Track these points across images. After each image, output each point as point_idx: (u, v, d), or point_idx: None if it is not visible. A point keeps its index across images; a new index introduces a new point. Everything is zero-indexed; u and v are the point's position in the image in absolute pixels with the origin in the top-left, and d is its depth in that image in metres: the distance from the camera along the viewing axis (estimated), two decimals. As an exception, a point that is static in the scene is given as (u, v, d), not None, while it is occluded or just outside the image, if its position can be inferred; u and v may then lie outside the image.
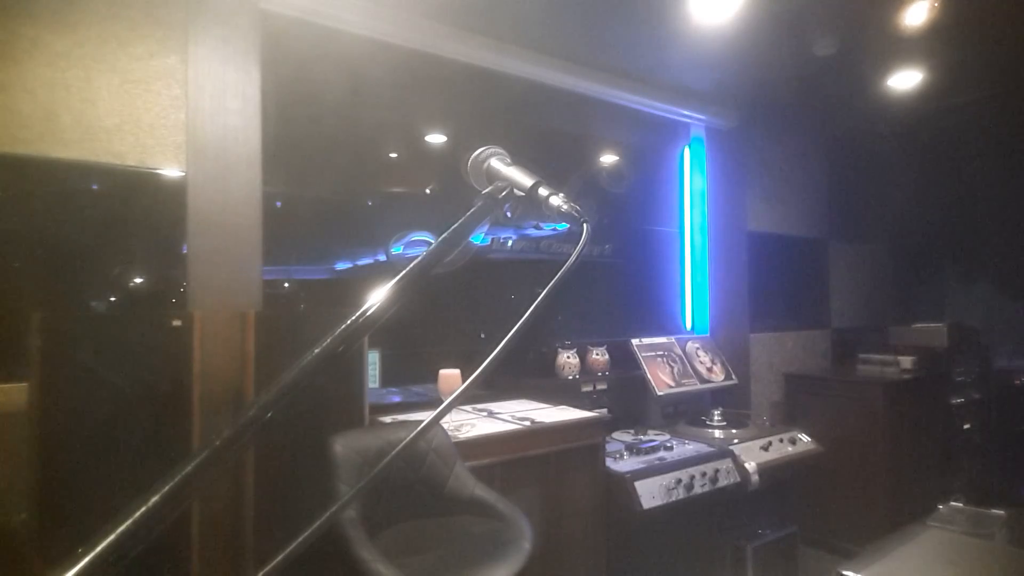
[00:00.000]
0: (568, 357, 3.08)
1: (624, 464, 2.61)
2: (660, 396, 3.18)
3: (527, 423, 2.34)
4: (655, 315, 3.88)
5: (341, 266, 2.87)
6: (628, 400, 3.27)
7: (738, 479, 2.79)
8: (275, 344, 1.98)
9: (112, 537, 0.42)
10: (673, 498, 2.55)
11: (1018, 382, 4.31)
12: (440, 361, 2.48)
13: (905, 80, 3.46)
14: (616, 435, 3.03)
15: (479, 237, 3.04)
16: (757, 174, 4.00)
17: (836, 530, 3.59)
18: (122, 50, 1.99)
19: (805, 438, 3.26)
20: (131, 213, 2.03)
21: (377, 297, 0.59)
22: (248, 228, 2.17)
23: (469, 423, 2.34)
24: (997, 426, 4.29)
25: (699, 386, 3.41)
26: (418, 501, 1.96)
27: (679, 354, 3.49)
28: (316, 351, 0.55)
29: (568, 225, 0.70)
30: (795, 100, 3.83)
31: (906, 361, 3.92)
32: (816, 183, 4.43)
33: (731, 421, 3.22)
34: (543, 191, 0.72)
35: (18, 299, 1.84)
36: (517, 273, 3.24)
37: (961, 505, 2.97)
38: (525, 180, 0.74)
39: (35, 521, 1.59)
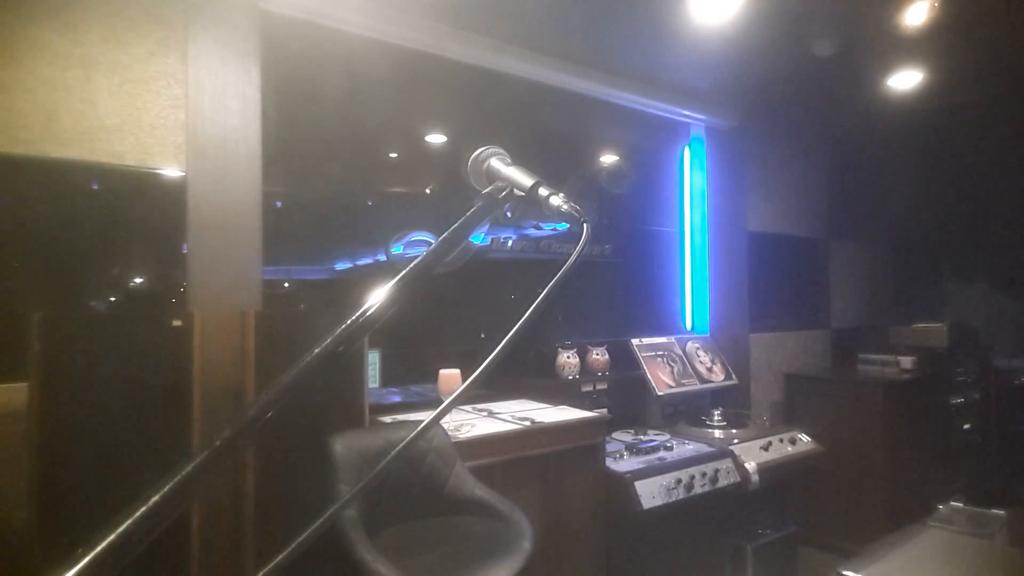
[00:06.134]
0: (568, 357, 3.08)
1: (624, 464, 2.61)
2: (660, 396, 3.18)
3: (527, 423, 2.34)
4: (655, 315, 3.88)
5: (341, 266, 2.87)
6: (628, 400, 3.27)
7: (738, 479, 2.80)
8: (275, 344, 1.98)
9: (112, 537, 0.42)
10: (673, 498, 2.55)
11: (1018, 382, 4.31)
12: (440, 361, 2.48)
13: (905, 80, 3.46)
14: (616, 435, 3.03)
15: (479, 237, 3.04)
16: (757, 174, 4.00)
17: (836, 530, 3.59)
18: (122, 50, 1.99)
19: (805, 438, 3.26)
20: (131, 213, 2.03)
21: (377, 297, 0.59)
22: (248, 228, 2.17)
23: (469, 423, 2.34)
24: (997, 426, 4.29)
25: (699, 386, 3.41)
26: (418, 501, 1.96)
27: (679, 354, 3.49)
28: (316, 351, 0.55)
29: (568, 225, 0.70)
30: (795, 100, 3.82)
31: (906, 361, 3.92)
32: (816, 183, 4.43)
33: (731, 421, 3.22)
34: (543, 191, 0.72)
35: (18, 299, 1.84)
36: (517, 273, 3.24)
37: (961, 505, 2.96)
38: (525, 180, 0.73)
39: (35, 521, 1.59)
